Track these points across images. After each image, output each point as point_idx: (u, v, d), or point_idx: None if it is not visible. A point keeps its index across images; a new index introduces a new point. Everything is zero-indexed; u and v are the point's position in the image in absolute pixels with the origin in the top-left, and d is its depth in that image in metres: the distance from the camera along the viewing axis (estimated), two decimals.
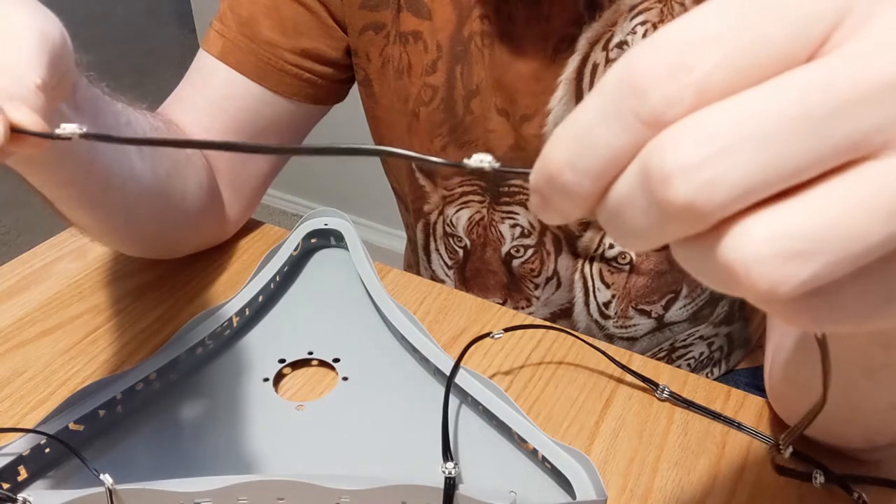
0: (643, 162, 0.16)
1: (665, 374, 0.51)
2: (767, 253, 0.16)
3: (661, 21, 0.51)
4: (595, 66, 0.53)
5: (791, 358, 0.43)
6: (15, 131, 0.27)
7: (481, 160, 0.20)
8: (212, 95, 0.60)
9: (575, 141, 0.17)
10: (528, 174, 0.19)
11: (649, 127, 0.16)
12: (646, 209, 0.17)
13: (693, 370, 0.67)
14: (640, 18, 0.51)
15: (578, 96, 0.54)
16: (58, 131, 0.25)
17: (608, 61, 0.53)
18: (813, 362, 0.42)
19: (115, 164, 0.45)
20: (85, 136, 0.25)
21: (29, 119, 0.28)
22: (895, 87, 0.15)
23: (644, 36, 0.52)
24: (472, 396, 0.46)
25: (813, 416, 0.32)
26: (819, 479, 0.42)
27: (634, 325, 0.64)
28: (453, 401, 0.47)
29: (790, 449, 0.39)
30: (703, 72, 0.16)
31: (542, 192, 0.19)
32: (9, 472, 0.40)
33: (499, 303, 0.61)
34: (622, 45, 0.52)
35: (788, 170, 0.16)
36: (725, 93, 0.16)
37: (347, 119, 0.94)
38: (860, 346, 0.34)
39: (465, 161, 0.20)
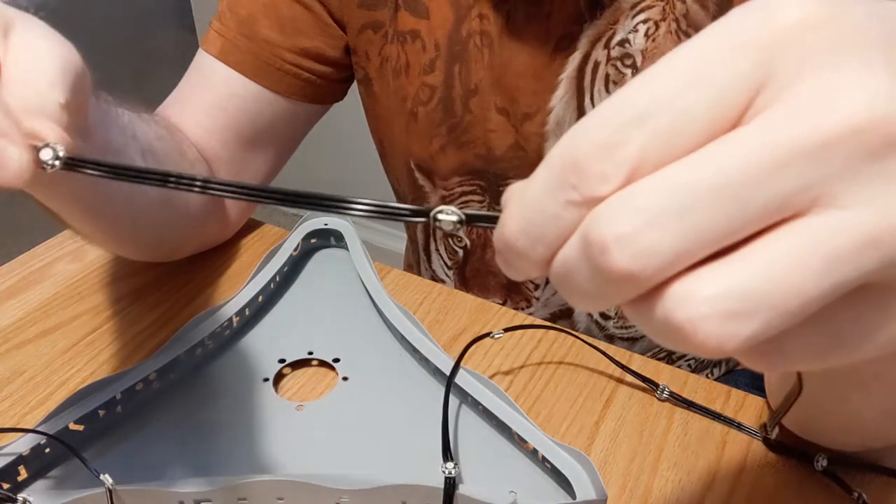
0: (583, 232, 0.18)
1: (665, 374, 0.51)
2: (710, 313, 0.16)
3: (663, 19, 0.51)
4: (596, 65, 0.53)
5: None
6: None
7: (447, 218, 0.21)
8: (211, 95, 0.60)
9: (526, 211, 0.19)
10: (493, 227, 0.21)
11: (588, 200, 0.18)
12: (589, 276, 0.18)
13: (693, 370, 0.67)
14: (641, 17, 0.51)
15: (580, 94, 0.54)
16: (42, 157, 0.25)
17: (609, 59, 0.53)
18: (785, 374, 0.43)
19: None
20: (68, 165, 0.25)
21: (56, 135, 0.28)
22: (813, 151, 0.16)
23: (646, 35, 0.52)
24: (472, 396, 0.46)
25: (791, 401, 0.32)
26: (822, 462, 0.42)
27: (634, 326, 0.64)
28: (453, 401, 0.47)
29: (776, 430, 0.40)
30: (633, 149, 0.17)
31: (503, 254, 0.20)
32: (9, 472, 0.40)
33: (499, 303, 0.61)
34: (623, 43, 0.52)
35: (715, 236, 0.17)
36: (657, 165, 0.17)
37: (347, 118, 0.94)
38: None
39: (432, 216, 0.21)
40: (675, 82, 0.17)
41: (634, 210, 0.17)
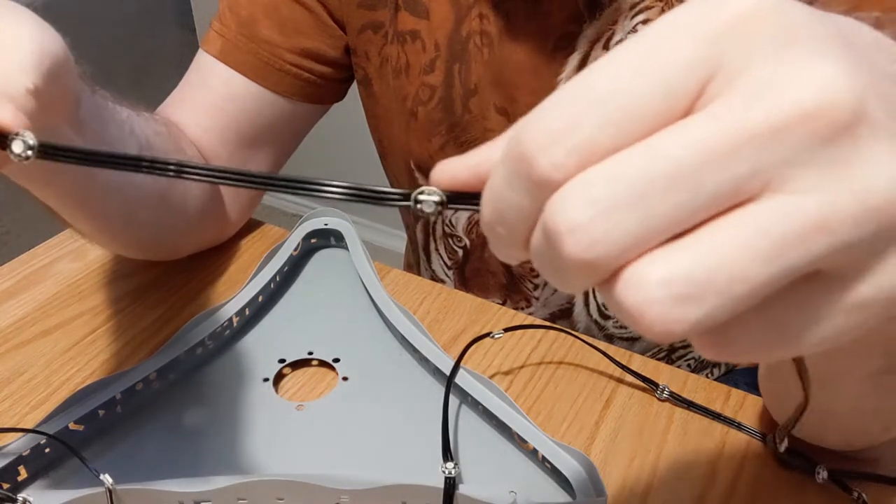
0: (542, 222, 0.18)
1: (665, 374, 0.51)
2: (658, 296, 0.16)
3: None
4: None
5: (761, 369, 0.45)
6: None
7: (428, 199, 0.21)
8: (211, 96, 0.60)
9: (493, 202, 0.19)
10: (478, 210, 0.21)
11: (543, 189, 0.18)
12: (553, 263, 0.18)
13: (693, 370, 0.67)
14: (641, 17, 0.51)
15: None
16: (16, 146, 0.24)
17: None
18: (771, 374, 0.43)
19: (116, 173, 0.45)
20: (43, 153, 0.24)
21: (13, 117, 0.27)
22: (763, 137, 0.16)
23: None
24: (472, 396, 0.46)
25: (798, 414, 0.32)
26: (822, 474, 0.42)
27: None
28: (453, 401, 0.47)
29: (785, 442, 0.40)
30: (582, 136, 0.17)
31: (489, 239, 0.20)
32: (9, 472, 0.40)
33: (498, 303, 0.61)
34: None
35: (667, 223, 0.17)
36: (607, 152, 0.17)
37: (347, 118, 0.94)
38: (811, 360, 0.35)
39: (413, 200, 0.21)
40: (624, 70, 0.17)
41: (586, 199, 0.17)
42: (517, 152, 0.18)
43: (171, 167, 0.22)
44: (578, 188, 0.17)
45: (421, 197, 0.21)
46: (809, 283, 0.17)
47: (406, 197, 0.21)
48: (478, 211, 0.20)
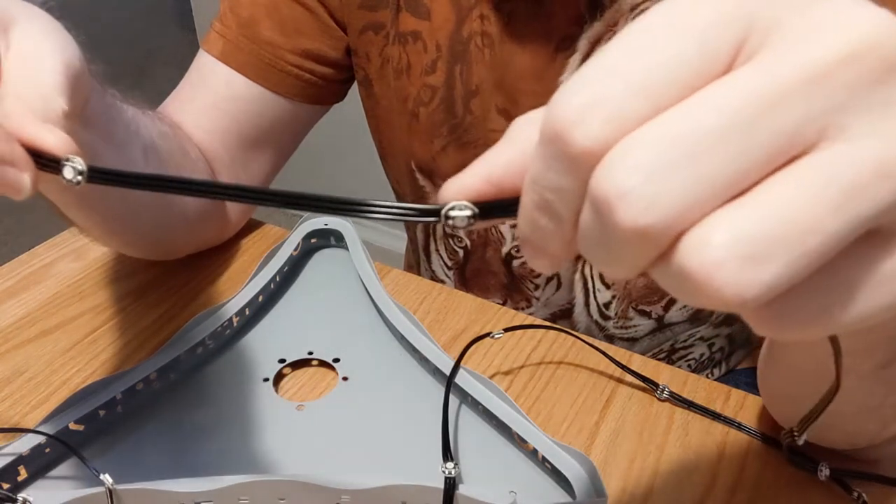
0: (590, 197, 0.17)
1: (665, 374, 0.51)
2: (726, 257, 0.16)
3: None
4: None
5: (765, 365, 0.44)
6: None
7: (459, 215, 0.20)
8: (212, 96, 0.60)
9: (536, 187, 0.18)
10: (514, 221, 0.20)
11: (583, 164, 0.17)
12: (607, 241, 0.17)
13: (693, 371, 0.67)
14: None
15: None
16: (67, 172, 0.24)
17: None
18: (778, 372, 0.43)
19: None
20: (91, 178, 0.24)
21: (63, 143, 0.28)
22: (812, 82, 0.16)
23: None
24: (472, 396, 0.46)
25: (825, 405, 0.31)
26: (824, 471, 0.42)
27: (635, 326, 0.64)
28: (453, 401, 0.47)
29: (804, 436, 0.39)
30: (615, 103, 0.17)
31: (531, 242, 0.20)
32: (9, 472, 0.40)
33: (499, 303, 0.61)
34: None
35: (724, 179, 0.16)
36: (645, 117, 0.17)
37: (347, 118, 0.94)
38: (818, 357, 0.34)
39: (443, 214, 0.20)
40: (654, 33, 0.17)
41: (633, 162, 0.16)
42: (550, 132, 0.17)
43: (220, 191, 0.22)
44: (623, 152, 0.16)
45: (452, 213, 0.20)
46: (870, 242, 0.17)
47: (436, 213, 0.20)
48: (511, 216, 0.20)
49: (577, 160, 0.17)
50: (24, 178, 0.27)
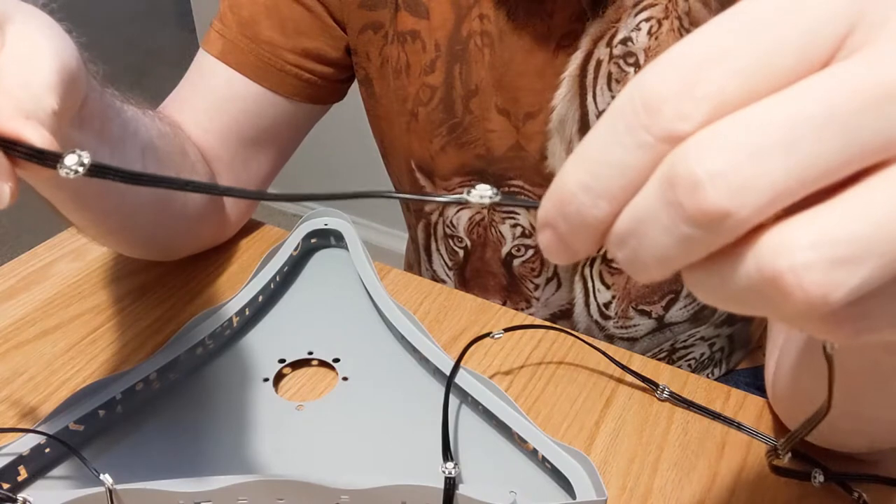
0: (666, 174, 0.16)
1: (665, 374, 0.51)
2: (815, 259, 0.15)
3: (666, 17, 0.51)
4: (599, 63, 0.53)
5: (795, 364, 0.43)
6: (11, 149, 0.27)
7: (482, 195, 0.20)
8: (212, 96, 0.60)
9: (589, 163, 0.17)
10: (535, 206, 0.19)
11: (664, 143, 0.16)
12: (668, 225, 0.16)
13: (694, 370, 0.67)
14: (644, 15, 0.51)
15: (582, 93, 0.54)
16: (66, 162, 0.24)
17: (612, 58, 0.53)
18: (816, 370, 0.42)
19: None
20: (91, 172, 0.24)
21: (46, 141, 0.27)
22: None
23: (648, 33, 0.52)
24: (472, 396, 0.46)
25: (813, 425, 0.31)
26: (818, 478, 0.42)
27: (635, 326, 0.64)
28: (453, 401, 0.47)
29: (789, 454, 0.39)
30: (715, 85, 0.16)
31: (555, 223, 0.19)
32: (9, 472, 0.40)
33: (499, 304, 0.61)
34: (626, 41, 0.52)
35: (819, 171, 0.15)
36: (739, 105, 0.16)
37: (348, 118, 0.94)
38: (870, 355, 0.34)
39: (466, 196, 0.20)
40: (762, 17, 0.16)
41: (731, 143, 0.15)
42: (635, 103, 0.17)
43: (219, 190, 0.22)
44: (719, 133, 0.16)
45: (474, 201, 0.20)
46: None
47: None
48: (532, 206, 0.19)
49: (659, 136, 0.16)
50: (3, 189, 0.27)
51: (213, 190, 0.23)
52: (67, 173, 0.24)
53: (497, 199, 0.20)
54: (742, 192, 0.15)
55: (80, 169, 0.24)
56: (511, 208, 0.62)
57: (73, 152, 0.25)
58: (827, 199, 0.16)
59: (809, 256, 0.15)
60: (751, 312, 0.17)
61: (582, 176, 0.18)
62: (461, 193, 0.20)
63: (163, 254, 0.60)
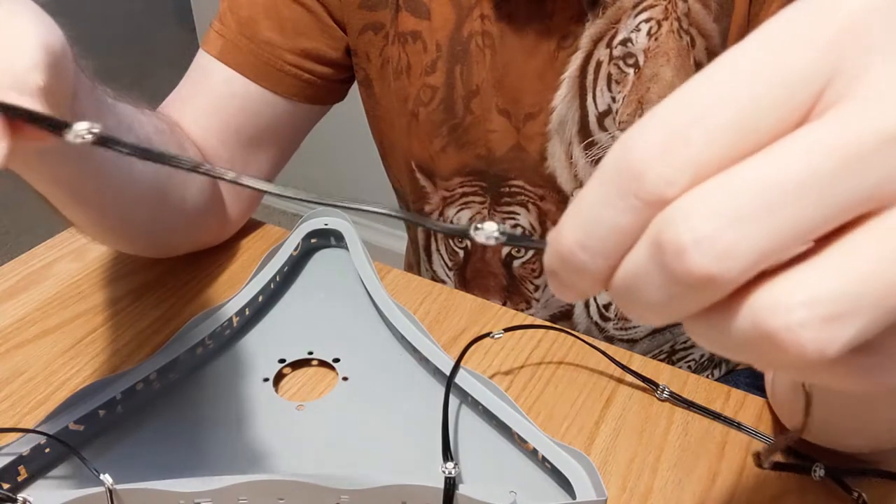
0: (654, 237, 0.17)
1: (665, 375, 0.51)
2: (809, 317, 0.16)
3: (665, 18, 0.51)
4: (599, 64, 0.53)
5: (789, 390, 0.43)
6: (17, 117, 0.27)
7: (487, 236, 0.20)
8: (211, 95, 0.60)
9: (582, 223, 0.18)
10: (543, 247, 0.20)
11: (651, 206, 0.17)
12: (660, 283, 0.17)
13: (694, 371, 0.67)
14: (643, 16, 0.51)
15: (582, 94, 0.54)
16: (75, 130, 0.24)
17: (612, 59, 0.53)
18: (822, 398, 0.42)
19: (111, 165, 0.45)
20: (98, 141, 0.24)
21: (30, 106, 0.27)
22: (893, 140, 0.16)
23: (648, 34, 0.52)
24: (472, 396, 0.46)
25: (787, 443, 0.31)
26: (819, 472, 0.42)
27: (635, 327, 0.64)
28: (453, 401, 0.47)
29: (771, 461, 0.38)
30: (695, 149, 0.16)
31: (558, 273, 0.19)
32: (9, 472, 0.40)
33: (499, 304, 0.61)
34: (626, 42, 0.52)
35: (801, 231, 0.16)
36: (722, 165, 0.16)
37: (347, 118, 0.94)
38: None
39: (472, 233, 0.20)
40: (739, 76, 0.16)
41: (713, 209, 0.16)
42: (622, 168, 0.17)
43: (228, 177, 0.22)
44: (701, 199, 0.16)
45: (479, 239, 0.20)
46: None
47: (464, 233, 0.20)
48: (538, 247, 0.20)
49: (644, 202, 0.17)
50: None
51: (221, 176, 0.23)
52: (76, 138, 0.24)
53: (503, 239, 0.20)
54: (726, 257, 0.16)
55: (89, 136, 0.24)
56: (511, 209, 0.62)
57: (83, 123, 0.24)
58: (820, 250, 0.16)
59: (803, 315, 0.16)
60: (754, 364, 0.17)
61: (578, 234, 0.18)
62: (469, 227, 0.20)
63: (162, 251, 0.60)
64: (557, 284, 0.20)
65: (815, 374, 0.17)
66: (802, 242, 0.16)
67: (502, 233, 0.20)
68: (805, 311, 0.16)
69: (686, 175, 0.16)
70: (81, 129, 0.24)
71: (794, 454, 0.44)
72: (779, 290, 0.16)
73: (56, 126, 0.25)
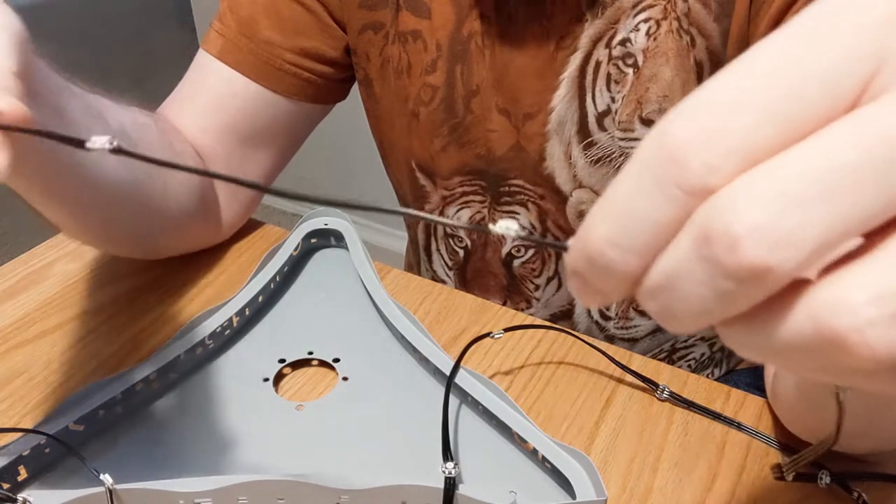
0: (699, 229, 0.16)
1: (665, 374, 0.51)
2: (878, 315, 0.15)
3: (665, 18, 0.51)
4: (598, 64, 0.53)
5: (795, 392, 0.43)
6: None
7: (507, 227, 0.19)
8: (210, 95, 0.60)
9: (616, 218, 0.17)
10: (564, 248, 0.19)
11: (693, 196, 0.16)
12: (706, 280, 0.16)
13: (694, 371, 0.67)
14: (643, 16, 0.51)
15: (581, 94, 0.54)
16: (89, 145, 0.24)
17: (611, 59, 0.53)
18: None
19: (82, 160, 0.43)
20: (117, 151, 0.24)
21: (12, 108, 0.27)
22: None
23: (647, 34, 0.52)
24: (472, 396, 0.46)
25: (818, 453, 0.30)
26: (825, 479, 0.42)
27: (635, 326, 0.64)
28: (453, 401, 0.47)
29: (793, 474, 0.38)
30: (742, 134, 0.16)
31: (583, 274, 0.18)
32: (9, 472, 0.40)
33: (499, 304, 0.61)
34: (625, 42, 0.52)
35: (858, 218, 0.15)
36: (768, 152, 0.16)
37: (348, 118, 0.94)
38: None
39: (492, 227, 0.19)
40: (788, 59, 0.16)
41: (767, 196, 0.15)
42: (660, 155, 0.16)
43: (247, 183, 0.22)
44: (753, 186, 0.15)
45: (498, 231, 0.19)
46: None
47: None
48: (558, 247, 0.19)
49: (688, 190, 0.16)
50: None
51: (208, 174, 0.23)
52: (95, 147, 0.24)
53: (522, 233, 0.19)
54: (783, 246, 0.15)
55: (108, 146, 0.24)
56: (511, 208, 0.62)
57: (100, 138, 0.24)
58: (868, 245, 0.15)
59: (871, 313, 0.15)
60: (797, 369, 0.16)
61: (609, 231, 0.17)
62: (484, 225, 0.20)
63: (150, 252, 0.59)
64: (580, 287, 0.19)
65: (877, 379, 0.16)
66: (859, 230, 0.15)
67: (521, 228, 0.19)
68: (873, 309, 0.15)
69: (732, 162, 0.16)
70: (101, 142, 0.24)
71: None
72: (840, 288, 0.15)
73: (75, 141, 0.24)
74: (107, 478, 0.38)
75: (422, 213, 0.21)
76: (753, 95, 0.16)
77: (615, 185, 0.17)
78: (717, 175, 0.16)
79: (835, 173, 0.15)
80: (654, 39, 0.52)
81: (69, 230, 0.51)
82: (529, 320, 0.56)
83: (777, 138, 0.16)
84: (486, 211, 0.63)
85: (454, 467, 0.39)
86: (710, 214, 0.16)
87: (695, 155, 0.16)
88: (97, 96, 0.47)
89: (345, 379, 0.49)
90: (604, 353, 0.51)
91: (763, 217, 0.15)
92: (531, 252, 0.63)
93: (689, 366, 0.68)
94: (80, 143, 0.23)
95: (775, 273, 0.15)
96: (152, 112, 0.58)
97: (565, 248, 0.19)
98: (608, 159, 0.56)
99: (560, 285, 0.64)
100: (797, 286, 0.16)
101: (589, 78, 0.54)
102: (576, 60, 0.54)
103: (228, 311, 0.51)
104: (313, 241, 0.61)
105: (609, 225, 0.17)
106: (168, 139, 0.56)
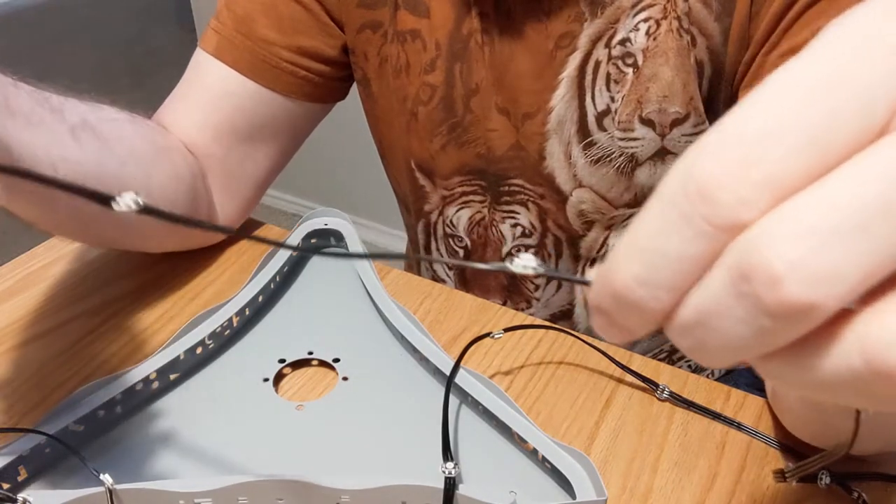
0: (735, 266, 0.15)
1: (665, 374, 0.51)
2: None
3: (664, 17, 0.51)
4: (597, 64, 0.53)
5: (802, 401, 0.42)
6: None
7: (524, 265, 0.19)
8: (207, 93, 0.60)
9: (643, 255, 0.17)
10: (586, 283, 0.18)
11: (725, 231, 0.15)
12: (744, 317, 0.15)
13: (694, 371, 0.67)
14: (642, 15, 0.51)
15: (580, 94, 0.54)
16: (121, 200, 0.23)
17: (610, 58, 0.53)
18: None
19: (38, 150, 0.42)
20: (143, 210, 0.23)
21: None
22: None
23: (647, 33, 0.52)
24: (472, 396, 0.46)
25: (827, 461, 0.30)
26: (825, 479, 0.42)
27: None
28: (453, 401, 0.47)
29: (795, 479, 0.37)
30: (774, 165, 0.15)
31: (609, 312, 0.18)
32: (9, 472, 0.40)
33: (499, 304, 0.61)
34: (625, 42, 0.52)
35: (894, 251, 0.15)
36: (800, 183, 0.15)
37: (347, 118, 0.94)
38: None
39: (509, 266, 0.19)
40: (816, 86, 0.15)
41: (804, 229, 0.14)
42: (688, 189, 0.15)
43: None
44: (788, 219, 0.15)
45: (516, 270, 0.19)
46: None
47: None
48: (580, 282, 0.18)
49: (719, 226, 0.15)
50: None
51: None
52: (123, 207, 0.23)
53: (541, 270, 0.19)
54: (826, 281, 0.14)
55: (135, 206, 0.23)
56: (511, 208, 0.62)
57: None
58: None
59: None
60: (836, 399, 0.16)
61: (637, 268, 0.17)
62: (503, 263, 0.20)
63: (136, 246, 0.58)
64: (606, 324, 0.18)
65: None
66: None
67: (540, 264, 0.19)
68: None
69: (765, 195, 0.15)
70: (128, 200, 0.23)
71: (798, 459, 0.44)
72: (892, 318, 0.15)
73: (101, 198, 0.24)
74: (107, 478, 0.38)
75: (455, 261, 0.21)
76: (783, 125, 0.15)
77: (639, 222, 0.17)
78: (749, 209, 0.15)
79: (871, 205, 0.14)
80: (654, 39, 0.52)
81: (40, 224, 0.49)
82: (529, 320, 0.56)
83: (810, 168, 0.15)
84: (485, 211, 0.63)
85: (454, 467, 0.39)
86: (747, 250, 0.15)
87: (725, 189, 0.15)
88: (58, 95, 0.45)
89: (345, 379, 0.49)
90: (604, 353, 0.51)
91: (803, 252, 0.14)
92: (531, 252, 0.63)
93: (689, 366, 0.68)
94: (105, 201, 0.23)
95: (819, 309, 0.15)
96: (152, 113, 0.58)
97: (587, 283, 0.18)
98: (608, 159, 0.56)
99: (560, 286, 0.64)
100: (838, 318, 0.15)
101: (588, 77, 0.54)
102: (575, 60, 0.54)
103: (228, 311, 0.51)
104: (313, 241, 0.61)
105: (637, 262, 0.17)
106: (148, 135, 0.55)
